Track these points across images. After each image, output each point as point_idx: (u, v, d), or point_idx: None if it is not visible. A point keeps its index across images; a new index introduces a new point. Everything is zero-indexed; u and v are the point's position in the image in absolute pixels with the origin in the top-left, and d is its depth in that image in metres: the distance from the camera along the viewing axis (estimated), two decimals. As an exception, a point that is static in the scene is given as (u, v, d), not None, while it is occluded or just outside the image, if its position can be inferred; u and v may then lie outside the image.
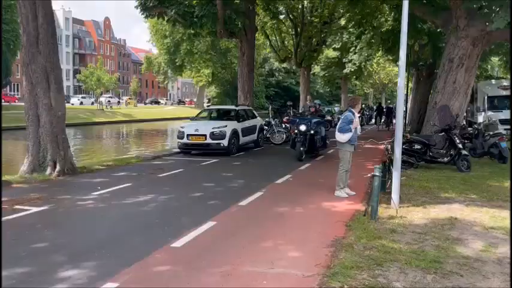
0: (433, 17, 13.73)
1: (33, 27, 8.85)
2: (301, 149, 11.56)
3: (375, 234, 5.13)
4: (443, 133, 10.50)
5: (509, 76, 22.62)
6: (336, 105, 44.96)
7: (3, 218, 5.76)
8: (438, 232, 5.25)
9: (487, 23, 11.17)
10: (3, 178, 8.38)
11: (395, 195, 6.42)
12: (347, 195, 7.39)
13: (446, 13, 12.56)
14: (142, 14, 16.54)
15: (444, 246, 4.74)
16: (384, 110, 31.40)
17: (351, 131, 7.20)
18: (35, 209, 6.31)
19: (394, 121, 31.06)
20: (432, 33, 18.24)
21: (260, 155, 13.76)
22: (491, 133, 11.88)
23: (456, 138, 10.16)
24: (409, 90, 27.81)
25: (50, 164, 9.11)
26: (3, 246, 4.71)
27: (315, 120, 12.30)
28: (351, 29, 24.84)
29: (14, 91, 60.93)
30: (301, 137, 11.58)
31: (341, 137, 7.30)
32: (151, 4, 15.90)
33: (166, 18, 17.11)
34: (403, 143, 8.45)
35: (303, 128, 11.51)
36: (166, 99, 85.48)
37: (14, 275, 3.95)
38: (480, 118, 18.61)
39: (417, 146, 10.41)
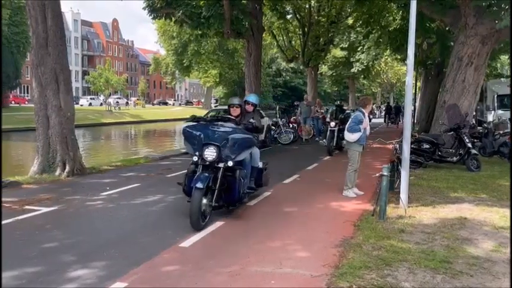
0: (441, 15, 13.62)
1: (42, 29, 8.92)
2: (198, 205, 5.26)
3: (383, 234, 5.10)
4: (452, 132, 10.43)
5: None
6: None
7: (14, 218, 5.83)
8: (448, 232, 5.21)
9: (496, 21, 11.05)
10: (14, 179, 8.48)
11: (403, 194, 6.37)
12: (355, 195, 7.37)
13: (454, 11, 12.45)
14: (149, 15, 16.61)
15: (454, 246, 4.70)
16: (393, 109, 32.16)
17: (360, 131, 7.18)
18: (44, 209, 6.37)
19: (401, 119, 31.34)
20: (440, 31, 18.09)
21: (267, 155, 13.69)
22: (501, 132, 11.78)
23: (465, 138, 10.07)
24: (417, 89, 27.64)
25: (59, 165, 9.18)
26: (13, 246, 4.77)
27: (237, 135, 5.74)
28: (358, 28, 24.75)
29: (23, 93, 61.57)
30: (204, 175, 5.39)
31: (350, 137, 7.28)
32: (158, 5, 15.97)
33: (173, 19, 17.16)
34: (412, 143, 8.40)
35: (208, 154, 5.52)
36: (174, 100, 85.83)
37: (24, 274, 3.98)
38: (490, 117, 18.42)
39: (426, 146, 10.34)
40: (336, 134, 12.88)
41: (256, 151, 6.67)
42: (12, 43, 38.08)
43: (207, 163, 5.49)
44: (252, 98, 7.21)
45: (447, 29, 16.84)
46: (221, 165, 5.49)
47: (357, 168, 7.46)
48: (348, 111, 14.81)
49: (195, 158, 5.58)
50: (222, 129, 5.78)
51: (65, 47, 9.58)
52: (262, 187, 7.18)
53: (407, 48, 6.59)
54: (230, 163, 5.50)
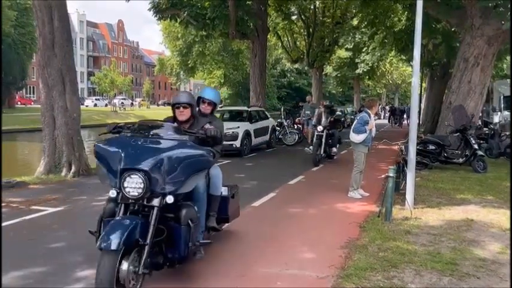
0: (447, 16, 13.57)
1: (49, 31, 8.99)
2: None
3: (389, 235, 5.08)
4: (458, 133, 10.37)
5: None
6: (350, 106, 44.75)
7: (21, 218, 5.87)
8: (454, 234, 5.18)
9: (503, 22, 11.00)
10: (21, 179, 8.54)
11: (409, 196, 6.35)
12: (361, 197, 7.35)
13: (460, 12, 12.40)
14: (155, 16, 16.70)
15: (460, 248, 4.68)
16: (397, 110, 33.21)
17: (365, 132, 7.17)
18: (51, 210, 6.41)
19: (405, 120, 31.55)
20: (446, 32, 18.02)
21: (272, 156, 13.75)
22: (507, 133, 11.70)
23: (472, 139, 10.02)
24: (422, 90, 27.55)
25: (65, 165, 9.24)
26: (20, 246, 4.80)
27: (179, 152, 3.52)
28: (363, 29, 24.70)
29: (30, 94, 61.95)
30: (124, 223, 3.29)
31: (355, 138, 7.27)
32: (164, 6, 16.05)
33: (179, 20, 17.24)
34: (417, 144, 8.37)
35: (130, 187, 3.35)
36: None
37: (31, 274, 4.01)
38: (496, 118, 18.31)
39: (431, 147, 10.31)
40: (324, 140, 11.12)
41: (215, 173, 4.39)
42: (18, 44, 38.34)
43: (131, 201, 3.39)
44: (208, 93, 4.70)
45: (453, 29, 16.76)
46: (155, 203, 3.38)
47: (363, 170, 7.44)
48: (338, 113, 13.72)
49: (113, 193, 3.46)
50: (153, 144, 3.57)
51: (71, 48, 9.65)
52: (229, 222, 5.08)
53: (413, 49, 6.58)
54: (170, 199, 3.38)
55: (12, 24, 34.50)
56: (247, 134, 13.20)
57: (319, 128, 11.18)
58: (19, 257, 4.43)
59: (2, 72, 29.44)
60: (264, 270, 4.11)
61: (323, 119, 11.34)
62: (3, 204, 6.71)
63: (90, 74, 73.65)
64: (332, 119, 11.59)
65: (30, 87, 59.24)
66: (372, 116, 7.45)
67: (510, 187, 7.39)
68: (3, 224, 5.61)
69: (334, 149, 11.95)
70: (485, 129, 14.19)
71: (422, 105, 29.45)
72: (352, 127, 7.52)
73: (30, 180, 8.69)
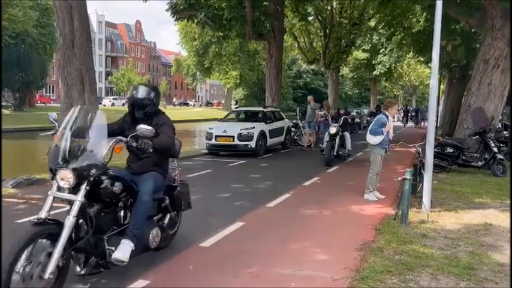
0: (467, 17, 13.36)
1: (69, 31, 9.16)
2: None
3: (405, 238, 5.03)
4: (477, 136, 10.20)
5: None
6: (365, 107, 44.42)
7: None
8: (472, 238, 5.10)
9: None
10: (40, 176, 8.70)
11: (426, 199, 6.28)
12: (376, 199, 7.29)
13: (481, 13, 12.20)
14: (172, 16, 16.86)
15: (478, 252, 4.60)
16: (411, 111, 33.68)
17: (382, 133, 7.10)
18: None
19: (422, 121, 31.34)
20: (466, 33, 17.76)
21: (287, 156, 13.73)
22: (528, 136, 11.45)
23: (491, 142, 9.84)
24: (441, 92, 27.19)
25: (83, 163, 9.38)
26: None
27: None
28: (381, 30, 24.51)
29: (49, 93, 63.13)
30: None
31: (372, 139, 7.22)
32: (181, 7, 16.18)
33: (196, 21, 17.37)
34: (435, 146, 8.26)
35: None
36: (195, 101, 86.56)
37: (50, 269, 4.08)
38: (516, 121, 17.92)
39: (449, 150, 10.16)
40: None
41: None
42: (39, 44, 39.09)
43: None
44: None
45: (473, 30, 16.50)
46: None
47: (379, 172, 7.38)
48: (353, 114, 13.58)
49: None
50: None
51: (91, 48, 9.81)
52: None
53: (432, 50, 6.50)
54: None
55: (33, 24, 35.20)
56: (262, 134, 13.21)
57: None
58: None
59: (2, 71, 30.18)
60: (278, 271, 4.12)
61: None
62: (23, 200, 6.87)
63: (108, 73, 74.76)
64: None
65: (50, 86, 60.38)
66: (390, 117, 7.38)
67: (510, 187, 7.30)
68: (23, 219, 5.74)
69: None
70: (505, 132, 13.88)
71: (440, 108, 29.06)
72: (369, 128, 7.47)
73: (49, 177, 8.83)
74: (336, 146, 11.31)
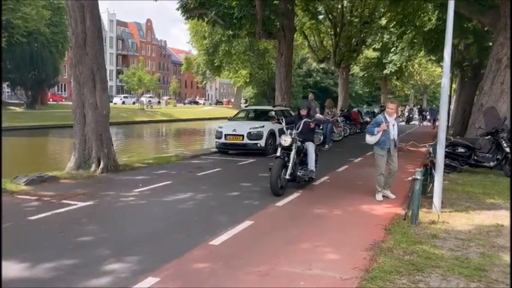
0: (480, 15, 13.21)
1: (81, 30, 9.24)
2: None
3: (415, 239, 5.01)
4: (489, 136, 10.08)
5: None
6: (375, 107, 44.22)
7: (53, 212, 6.07)
8: (483, 239, 5.05)
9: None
10: (52, 174, 8.82)
11: (437, 199, 6.23)
12: (382, 199, 7.23)
13: (494, 12, 12.05)
14: (183, 15, 16.92)
15: (489, 253, 4.56)
16: (426, 111, 33.94)
17: (374, 133, 7.03)
18: (80, 204, 6.59)
19: (433, 121, 31.14)
20: (478, 32, 17.54)
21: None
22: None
23: (503, 142, 9.72)
24: (452, 92, 26.90)
25: (94, 161, 9.48)
26: (52, 238, 4.97)
27: None
28: (392, 29, 24.31)
29: (61, 91, 63.78)
30: None
31: (367, 139, 7.30)
32: (192, 6, 16.23)
33: (206, 20, 17.40)
34: (446, 146, 8.18)
35: None
36: (205, 100, 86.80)
37: (62, 266, 4.14)
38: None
39: (461, 150, 10.05)
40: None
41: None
42: (51, 42, 39.51)
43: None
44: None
45: (485, 29, 16.29)
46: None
47: (383, 173, 7.21)
48: (305, 119, 7.95)
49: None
50: None
51: (102, 46, 9.87)
52: None
53: (444, 49, 6.44)
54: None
55: (46, 23, 35.57)
56: (271, 133, 13.20)
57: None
58: (51, 249, 4.59)
59: (2, 70, 30.53)
60: (287, 270, 4.12)
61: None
62: (35, 197, 6.97)
63: (119, 72, 75.28)
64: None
65: (61, 84, 61.00)
66: (391, 118, 7.10)
67: (510, 187, 7.22)
68: (36, 216, 5.83)
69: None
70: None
71: (452, 107, 28.76)
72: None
73: (61, 175, 8.96)
74: (290, 164, 7.44)
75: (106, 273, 3.99)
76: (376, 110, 33.21)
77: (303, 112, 8.17)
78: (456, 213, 6.24)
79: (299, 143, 7.78)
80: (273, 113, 10.17)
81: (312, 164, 8.02)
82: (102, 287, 3.74)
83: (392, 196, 7.37)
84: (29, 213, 6.00)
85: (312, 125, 8.02)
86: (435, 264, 4.22)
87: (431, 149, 8.15)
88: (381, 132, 7.02)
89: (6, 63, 38.12)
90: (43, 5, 34.53)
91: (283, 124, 8.29)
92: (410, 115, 37.79)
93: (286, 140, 7.53)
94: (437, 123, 29.18)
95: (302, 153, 8.00)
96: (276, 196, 7.19)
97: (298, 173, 7.80)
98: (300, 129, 7.87)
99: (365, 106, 32.71)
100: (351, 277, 3.94)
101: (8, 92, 50.04)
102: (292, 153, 7.53)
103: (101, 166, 9.43)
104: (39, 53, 37.98)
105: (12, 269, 4.04)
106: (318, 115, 7.26)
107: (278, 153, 7.58)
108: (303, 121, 7.95)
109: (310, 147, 8.08)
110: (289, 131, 7.83)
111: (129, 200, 7.04)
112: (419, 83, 53.48)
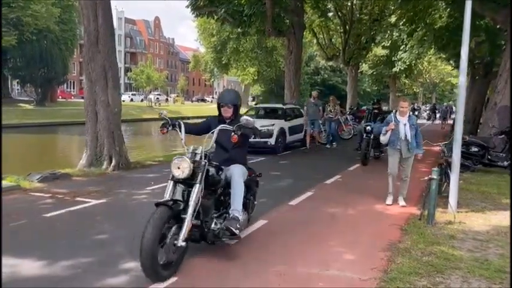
0: (493, 13, 13.02)
1: (93, 27, 9.25)
2: None
3: (432, 239, 4.95)
4: (503, 135, 9.97)
5: None
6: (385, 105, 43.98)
7: (67, 209, 6.09)
8: (502, 240, 4.98)
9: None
10: (64, 171, 8.85)
11: (453, 199, 6.16)
12: (391, 203, 6.82)
13: (507, 10, 11.87)
14: (192, 13, 16.89)
15: (509, 255, 4.48)
16: (437, 109, 35.19)
17: (383, 132, 6.87)
18: (94, 202, 6.61)
19: (443, 119, 30.89)
20: (490, 29, 17.30)
21: (307, 154, 13.64)
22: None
23: (518, 141, 9.60)
24: (463, 90, 26.63)
25: (106, 159, 9.50)
26: (68, 236, 4.98)
27: None
28: (401, 27, 24.06)
29: (70, 88, 64.17)
30: None
31: (380, 138, 7.10)
32: (201, 3, 16.20)
33: (216, 18, 17.36)
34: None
35: None
36: (212, 97, 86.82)
37: (79, 264, 4.15)
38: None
39: (474, 149, 9.94)
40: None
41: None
42: (60, 40, 39.69)
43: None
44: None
45: (498, 27, 16.06)
46: None
47: (392, 173, 6.83)
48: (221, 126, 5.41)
49: None
50: None
51: (114, 44, 9.88)
52: None
53: (456, 47, 6.37)
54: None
55: (55, 21, 35.76)
56: (281, 131, 13.15)
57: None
58: (67, 247, 4.59)
59: (2, 70, 30.75)
60: (304, 270, 4.09)
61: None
62: (49, 195, 7.00)
63: (127, 69, 75.44)
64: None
65: (70, 81, 61.36)
66: (402, 117, 6.69)
67: (510, 188, 7.16)
68: (51, 214, 5.86)
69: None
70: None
71: (463, 105, 28.46)
72: None
73: (73, 172, 8.99)
74: (189, 215, 3.89)
75: (123, 272, 3.98)
76: (384, 108, 33.03)
77: (227, 112, 4.72)
78: (472, 214, 6.17)
79: (212, 170, 4.27)
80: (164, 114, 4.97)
81: (236, 206, 4.35)
82: (119, 286, 3.73)
83: (403, 203, 6.77)
84: (44, 210, 6.02)
85: (235, 137, 4.26)
86: (454, 265, 4.16)
87: (445, 148, 8.06)
88: (389, 132, 6.75)
89: (16, 60, 38.42)
90: (53, 2, 34.71)
91: (181, 135, 4.73)
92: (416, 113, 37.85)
93: (181, 167, 4.04)
94: (446, 122, 29.03)
95: (219, 189, 4.44)
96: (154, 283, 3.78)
97: (213, 225, 4.25)
98: (214, 144, 4.60)
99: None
100: (369, 278, 3.90)
101: (18, 89, 50.48)
102: (195, 192, 3.98)
103: (113, 164, 9.45)
104: (49, 51, 38.18)
105: (30, 267, 4.05)
106: (247, 118, 3.60)
107: (166, 196, 4.08)
108: (218, 128, 4.52)
109: (236, 174, 4.47)
110: (192, 147, 4.32)
111: (142, 198, 7.04)
112: (428, 81, 53.03)
